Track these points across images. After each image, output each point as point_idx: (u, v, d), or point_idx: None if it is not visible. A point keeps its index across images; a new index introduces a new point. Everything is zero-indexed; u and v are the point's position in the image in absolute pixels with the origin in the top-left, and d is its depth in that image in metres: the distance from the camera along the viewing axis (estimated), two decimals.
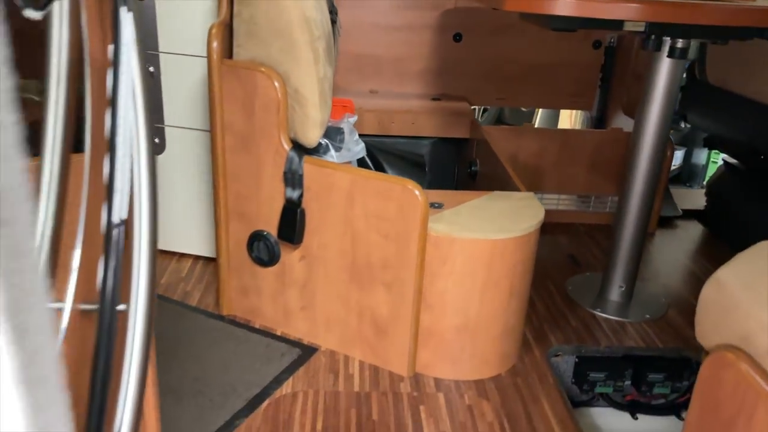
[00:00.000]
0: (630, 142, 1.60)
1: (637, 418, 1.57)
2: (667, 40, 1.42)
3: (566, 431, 1.23)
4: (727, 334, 0.81)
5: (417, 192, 1.23)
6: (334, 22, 1.56)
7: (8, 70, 0.21)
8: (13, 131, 0.21)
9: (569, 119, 3.46)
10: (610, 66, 2.42)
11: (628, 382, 1.53)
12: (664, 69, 1.47)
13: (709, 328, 0.85)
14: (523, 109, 3.59)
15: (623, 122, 2.37)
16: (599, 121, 2.56)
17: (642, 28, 1.37)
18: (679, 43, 1.40)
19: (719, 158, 3.28)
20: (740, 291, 0.81)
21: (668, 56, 1.43)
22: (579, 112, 3.22)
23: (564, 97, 2.46)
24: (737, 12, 1.26)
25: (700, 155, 3.52)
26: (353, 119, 1.73)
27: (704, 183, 3.34)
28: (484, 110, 3.62)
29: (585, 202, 2.27)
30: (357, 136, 1.67)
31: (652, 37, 1.40)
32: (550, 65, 2.39)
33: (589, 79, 2.43)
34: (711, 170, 3.42)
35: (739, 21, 1.27)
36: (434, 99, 2.36)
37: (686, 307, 1.71)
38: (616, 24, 1.33)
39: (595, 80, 2.44)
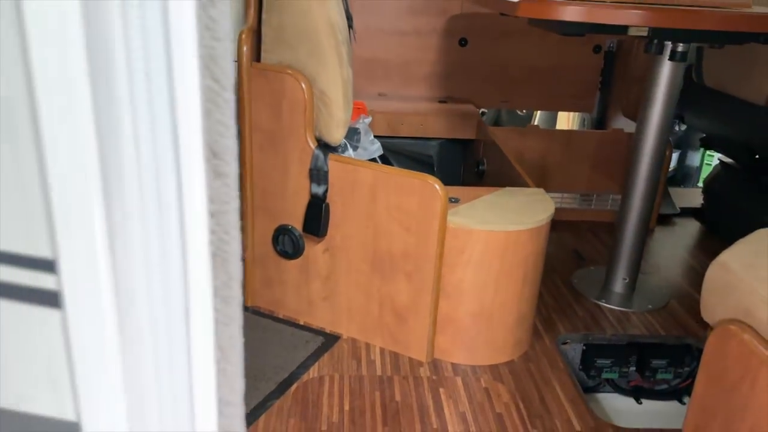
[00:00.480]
0: (632, 142, 1.69)
1: (641, 403, 1.65)
2: (669, 44, 1.51)
3: (578, 411, 1.31)
4: (731, 309, 0.89)
5: (437, 186, 1.31)
6: (350, 27, 1.64)
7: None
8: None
9: (567, 121, 3.55)
10: (609, 69, 2.51)
11: (632, 368, 1.61)
12: (665, 71, 1.56)
13: (714, 305, 0.93)
14: (520, 113, 3.68)
15: (622, 123, 2.46)
16: (599, 122, 2.65)
17: (645, 33, 1.46)
18: (680, 47, 1.49)
19: (713, 160, 3.38)
20: (742, 270, 0.90)
21: (669, 59, 1.51)
22: (575, 114, 3.32)
23: (566, 99, 2.55)
24: (735, 18, 1.35)
25: (694, 157, 3.62)
26: (368, 120, 1.82)
27: (698, 184, 3.44)
28: (482, 113, 3.71)
29: (587, 200, 2.35)
30: (372, 136, 1.76)
31: (655, 41, 1.49)
32: (552, 69, 2.48)
33: (589, 82, 2.52)
34: (705, 172, 3.52)
35: (737, 26, 1.36)
36: (441, 101, 2.45)
37: (686, 297, 1.80)
38: (621, 29, 1.42)
39: (595, 83, 2.53)
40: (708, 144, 2.29)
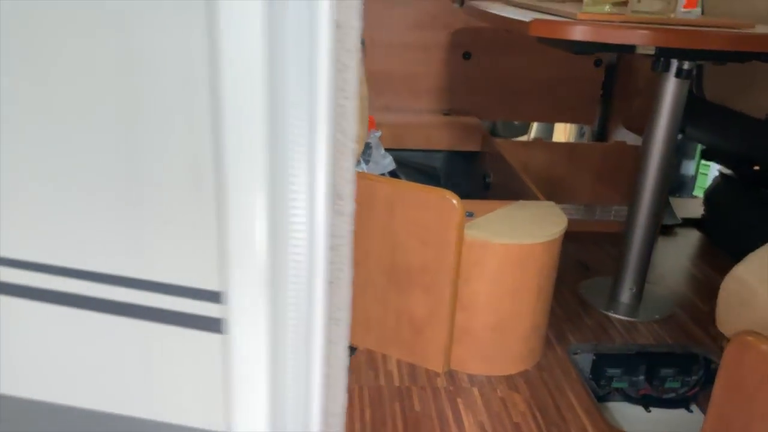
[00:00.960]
0: (638, 155, 1.74)
1: (650, 411, 1.69)
2: (674, 62, 1.56)
3: (592, 420, 1.35)
4: (747, 320, 0.93)
5: (454, 201, 1.35)
6: (362, 43, 1.69)
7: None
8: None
9: (564, 132, 3.61)
10: (610, 83, 2.56)
11: (641, 377, 1.65)
12: (671, 88, 1.60)
13: (730, 317, 0.97)
14: (516, 123, 3.73)
15: (623, 135, 2.51)
16: (600, 134, 2.70)
17: (652, 51, 1.51)
18: (686, 65, 1.54)
19: (708, 170, 3.44)
20: (757, 283, 0.94)
21: (675, 77, 1.56)
22: (571, 125, 3.38)
23: (567, 111, 2.60)
24: (739, 38, 1.40)
25: (689, 166, 3.68)
26: (378, 134, 1.85)
27: (693, 193, 3.50)
28: None
29: (590, 211, 2.40)
30: (383, 150, 1.79)
31: (661, 59, 1.54)
32: (554, 81, 2.53)
33: (591, 94, 2.58)
34: (700, 181, 3.58)
35: (740, 46, 1.41)
36: (445, 114, 2.49)
37: (691, 307, 1.84)
38: (629, 48, 1.47)
39: (596, 96, 2.58)
40: (709, 156, 2.34)
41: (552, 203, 1.58)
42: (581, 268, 2.06)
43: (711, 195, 2.40)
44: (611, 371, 1.63)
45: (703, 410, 1.65)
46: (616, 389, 1.68)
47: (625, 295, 1.81)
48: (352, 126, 0.31)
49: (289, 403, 0.33)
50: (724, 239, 2.30)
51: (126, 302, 0.29)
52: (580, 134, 3.32)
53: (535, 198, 1.66)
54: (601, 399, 1.68)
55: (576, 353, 1.63)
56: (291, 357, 0.32)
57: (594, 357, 1.65)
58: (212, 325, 0.30)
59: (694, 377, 1.67)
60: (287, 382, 0.32)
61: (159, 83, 0.26)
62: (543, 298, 1.46)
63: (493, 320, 1.43)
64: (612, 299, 1.83)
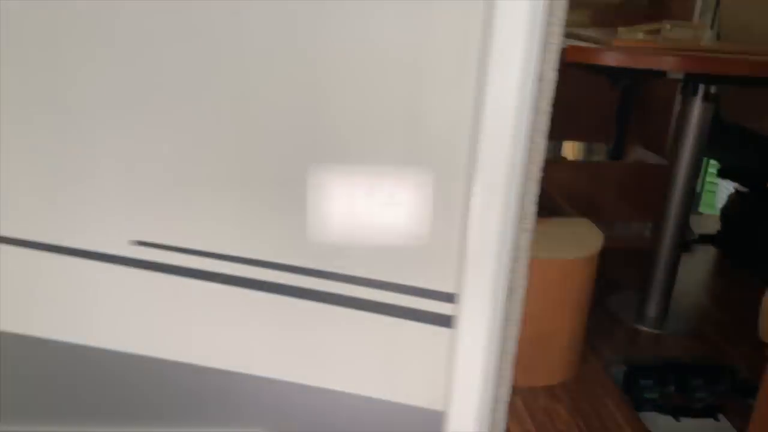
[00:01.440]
0: (666, 175, 1.81)
1: (679, 420, 1.74)
2: (701, 86, 1.64)
3: (635, 430, 1.41)
4: None
5: None
6: None
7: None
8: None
9: (571, 149, 3.68)
10: (626, 102, 2.64)
11: (672, 388, 1.71)
12: (698, 110, 1.68)
13: None
14: None
15: (639, 154, 2.59)
16: (615, 152, 2.78)
17: (680, 76, 1.59)
18: (712, 89, 1.62)
19: (717, 187, 3.51)
20: None
21: (703, 100, 1.64)
22: (579, 143, 3.45)
23: (585, 130, 2.68)
24: (764, 65, 1.48)
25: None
26: None
27: (699, 210, 3.57)
28: None
29: (610, 227, 2.46)
30: None
31: (690, 84, 1.62)
32: (572, 101, 2.60)
33: (607, 113, 2.65)
34: (707, 198, 3.65)
35: (766, 72, 1.49)
36: None
37: (714, 320, 1.91)
38: (660, 73, 1.55)
39: (613, 115, 2.66)
40: (725, 174, 2.42)
41: (587, 220, 1.65)
42: (606, 283, 2.12)
43: (727, 212, 2.48)
44: (643, 382, 1.69)
45: (730, 419, 1.71)
46: (648, 399, 1.73)
47: (653, 309, 1.88)
48: (541, 158, 0.38)
49: (483, 388, 0.39)
50: (740, 255, 2.37)
51: (373, 300, 0.35)
52: (588, 151, 3.40)
53: (565, 214, 1.73)
54: (634, 409, 1.73)
55: (610, 365, 1.69)
56: (486, 351, 0.38)
57: (626, 368, 1.71)
58: (444, 321, 0.36)
59: (721, 387, 1.73)
60: (485, 373, 0.38)
61: (431, 124, 0.33)
62: (581, 312, 1.53)
63: (535, 333, 1.49)
64: (640, 313, 1.89)
